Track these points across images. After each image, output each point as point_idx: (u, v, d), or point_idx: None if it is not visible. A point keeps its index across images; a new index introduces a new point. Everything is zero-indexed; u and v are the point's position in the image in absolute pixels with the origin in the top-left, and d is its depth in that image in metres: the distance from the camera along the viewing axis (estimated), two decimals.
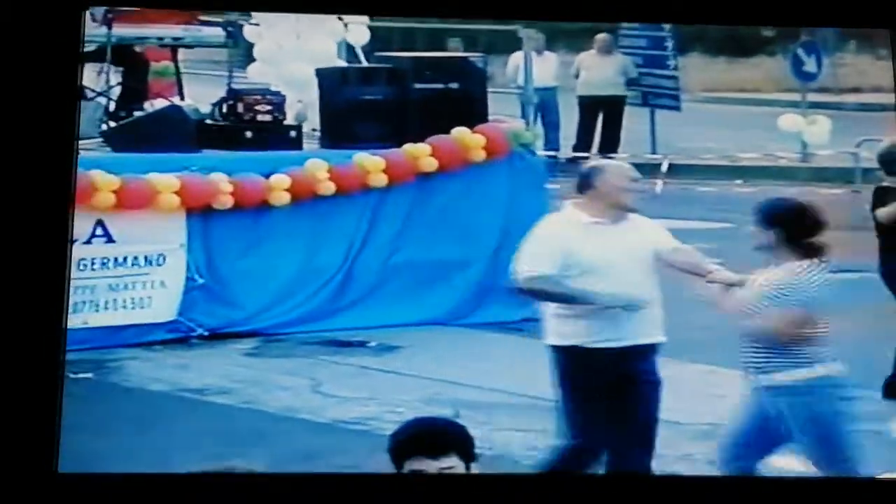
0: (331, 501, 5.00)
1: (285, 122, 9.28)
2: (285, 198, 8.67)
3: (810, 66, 13.31)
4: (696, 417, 7.29)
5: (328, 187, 8.79)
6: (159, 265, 8.37)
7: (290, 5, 7.04)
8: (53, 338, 5.16)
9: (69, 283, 5.27)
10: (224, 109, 9.25)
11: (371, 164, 8.90)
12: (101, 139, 8.84)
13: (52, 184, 5.22)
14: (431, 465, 4.36)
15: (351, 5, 7.16)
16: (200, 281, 8.48)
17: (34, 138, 5.23)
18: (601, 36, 13.32)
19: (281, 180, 8.70)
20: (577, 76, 13.57)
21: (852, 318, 8.47)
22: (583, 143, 13.50)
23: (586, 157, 13.08)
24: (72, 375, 6.06)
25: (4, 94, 5.25)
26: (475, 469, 4.42)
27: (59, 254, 5.18)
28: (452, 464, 4.36)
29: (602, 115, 13.41)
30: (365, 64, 10.05)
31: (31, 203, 5.19)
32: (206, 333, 8.37)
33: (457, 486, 4.57)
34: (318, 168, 8.80)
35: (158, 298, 8.33)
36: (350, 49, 10.21)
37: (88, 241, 8.12)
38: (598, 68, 13.41)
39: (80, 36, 5.35)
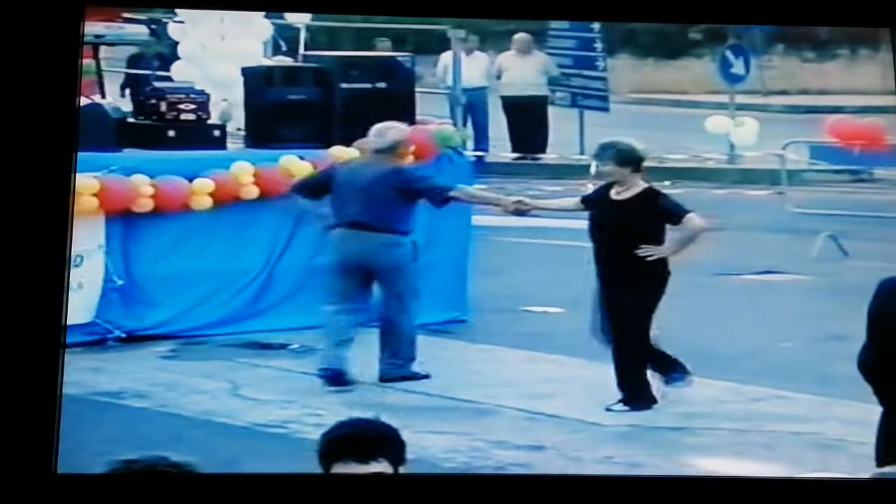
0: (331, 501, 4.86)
1: (209, 122, 9.19)
2: (208, 202, 8.59)
3: (738, 68, 13.37)
4: (615, 419, 7.32)
5: (252, 191, 8.72)
6: (77, 266, 8.24)
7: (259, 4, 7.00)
8: (52, 339, 5.09)
9: (69, 283, 5.20)
10: (146, 108, 9.13)
11: (297, 167, 8.82)
12: None
13: (50, 184, 5.16)
14: (359, 470, 4.26)
15: (284, 4, 7.11)
16: (119, 283, 8.36)
17: (34, 138, 5.17)
18: (519, 36, 13.32)
19: (204, 184, 8.61)
20: (498, 77, 13.56)
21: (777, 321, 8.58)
22: (515, 144, 13.49)
23: (524, 158, 13.14)
24: None
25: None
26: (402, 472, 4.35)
27: (58, 253, 5.11)
28: (381, 469, 4.26)
29: (527, 115, 13.41)
30: (302, 51, 10.01)
31: (29, 203, 5.13)
32: (123, 336, 8.27)
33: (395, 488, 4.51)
34: (243, 172, 8.71)
35: (75, 300, 8.19)
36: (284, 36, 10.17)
37: None
38: (518, 68, 13.40)
39: (80, 36, 5.28)
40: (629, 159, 7.62)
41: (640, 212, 7.53)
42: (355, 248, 7.92)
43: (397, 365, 7.88)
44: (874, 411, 5.99)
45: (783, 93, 14.59)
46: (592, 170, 11.37)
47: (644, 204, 7.54)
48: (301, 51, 10.38)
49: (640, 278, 7.44)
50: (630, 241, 7.45)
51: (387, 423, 4.48)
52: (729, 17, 5.97)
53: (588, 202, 7.84)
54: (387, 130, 8.19)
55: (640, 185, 7.61)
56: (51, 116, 5.20)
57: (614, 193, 7.62)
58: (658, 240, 7.51)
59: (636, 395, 7.43)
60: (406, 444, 4.38)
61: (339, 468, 4.26)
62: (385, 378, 7.85)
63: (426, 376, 7.90)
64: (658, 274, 7.48)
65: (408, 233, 8.01)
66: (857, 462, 6.43)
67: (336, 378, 7.73)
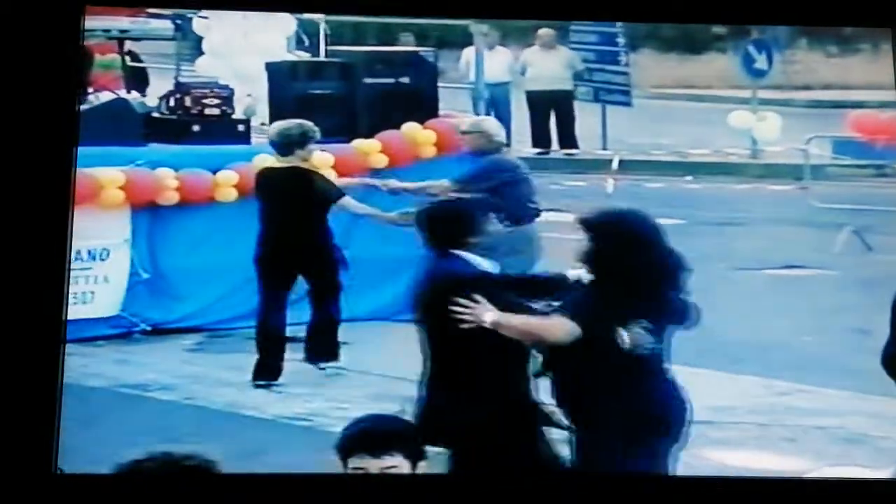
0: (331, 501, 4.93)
1: (234, 116, 9.24)
2: (233, 194, 8.64)
3: (761, 63, 13.35)
4: None
5: None
6: (103, 260, 8.31)
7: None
8: (52, 337, 5.13)
9: (68, 283, 5.24)
10: (171, 103, 9.19)
11: (319, 160, 8.86)
12: None
13: (51, 180, 5.20)
14: (373, 464, 4.34)
15: (306, 4, 7.15)
16: (145, 276, 8.43)
17: (33, 138, 5.21)
18: (543, 31, 13.31)
19: (228, 176, 8.67)
20: (523, 73, 13.57)
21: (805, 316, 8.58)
22: (539, 138, 13.48)
23: (547, 153, 13.13)
24: None
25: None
26: (423, 467, 4.40)
27: (58, 252, 5.15)
28: (395, 463, 4.34)
29: (553, 110, 13.42)
30: (323, 46, 10.06)
31: (29, 201, 5.17)
32: (148, 329, 8.32)
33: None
34: (266, 164, 8.75)
35: (101, 293, 8.27)
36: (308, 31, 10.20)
37: None
38: (543, 63, 13.40)
39: (80, 36, 5.32)
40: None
41: None
42: None
43: None
44: None
45: (806, 87, 14.55)
46: (615, 165, 11.42)
47: None
48: (322, 45, 10.42)
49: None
50: None
51: (404, 418, 4.56)
52: (729, 18, 5.98)
53: None
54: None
55: None
56: (52, 113, 5.24)
57: None
58: None
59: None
60: (423, 439, 4.42)
61: (354, 462, 4.36)
62: None
63: None
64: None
65: None
66: (880, 456, 6.43)
67: None
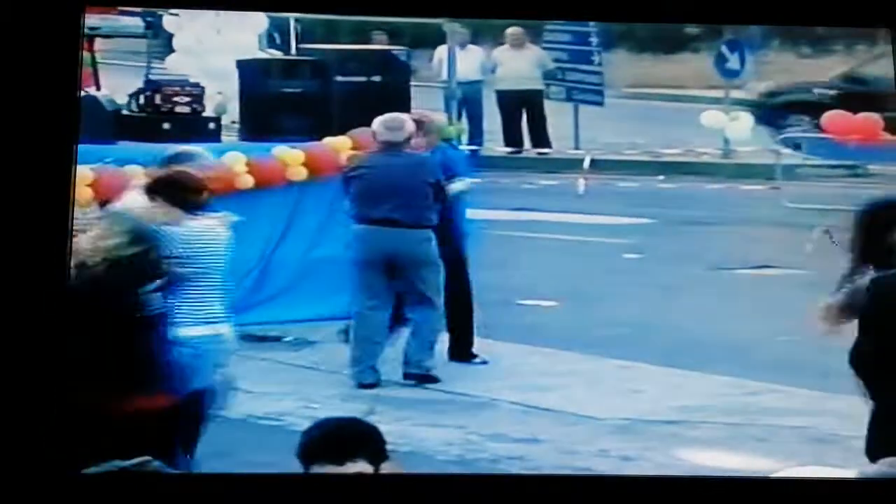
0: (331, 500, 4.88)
1: (204, 114, 9.18)
2: None
3: (734, 63, 13.38)
4: (612, 412, 7.32)
5: (246, 181, 8.69)
6: None
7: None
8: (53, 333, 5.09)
9: (70, 278, 5.20)
10: (141, 100, 9.13)
11: (291, 157, 8.82)
12: None
13: (51, 178, 5.16)
14: (337, 471, 4.28)
15: (279, 3, 7.12)
16: None
17: (32, 138, 5.18)
18: (512, 30, 13.31)
19: None
20: (493, 72, 13.56)
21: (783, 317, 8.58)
22: (510, 138, 13.47)
23: (519, 152, 13.12)
24: None
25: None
26: (387, 468, 4.35)
27: (58, 251, 5.11)
28: (359, 468, 4.28)
29: (524, 109, 13.42)
30: (295, 44, 10.02)
31: (29, 201, 5.13)
32: None
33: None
34: (236, 161, 8.70)
35: None
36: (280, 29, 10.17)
37: None
38: (513, 63, 13.40)
39: (80, 36, 5.29)
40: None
41: None
42: (386, 246, 7.85)
43: (418, 363, 7.82)
44: (869, 406, 5.99)
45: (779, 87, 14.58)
46: (586, 164, 11.41)
47: None
48: (293, 44, 10.38)
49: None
50: None
51: (364, 420, 4.51)
52: (727, 18, 5.98)
53: None
54: (400, 123, 8.09)
55: None
56: (51, 111, 5.21)
57: None
58: None
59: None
60: (385, 441, 4.38)
61: (317, 469, 4.29)
62: (408, 375, 7.81)
63: (437, 380, 7.86)
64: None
65: (434, 226, 7.96)
66: (851, 456, 6.43)
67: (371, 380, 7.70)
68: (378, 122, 8.14)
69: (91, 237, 5.81)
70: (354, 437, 4.37)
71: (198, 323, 6.17)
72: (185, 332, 6.05)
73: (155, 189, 6.49)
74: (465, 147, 10.99)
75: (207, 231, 6.43)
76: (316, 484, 4.52)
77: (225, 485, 4.80)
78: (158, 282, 5.80)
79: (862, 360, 5.84)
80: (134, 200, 6.62)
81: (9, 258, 5.06)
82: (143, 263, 5.76)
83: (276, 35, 10.36)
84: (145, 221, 6.01)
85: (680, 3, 5.55)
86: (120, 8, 9.71)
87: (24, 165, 5.13)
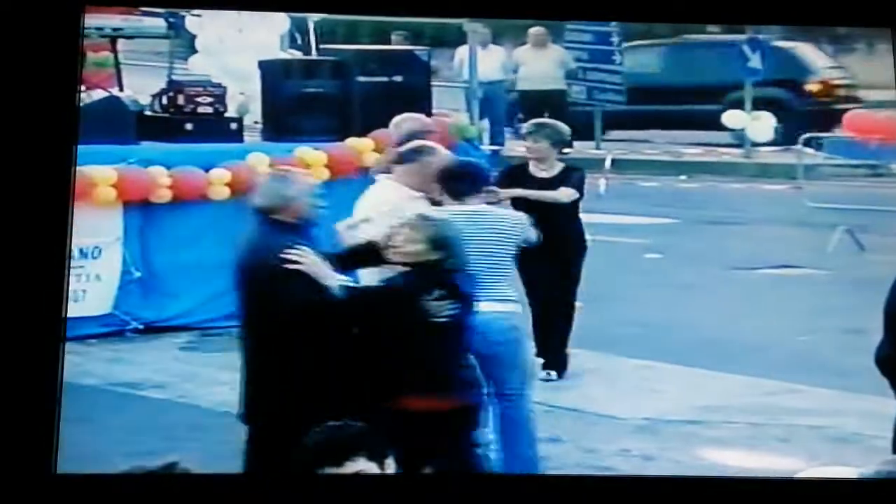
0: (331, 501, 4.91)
1: (226, 115, 9.22)
2: (225, 192, 8.62)
3: (755, 62, 13.36)
4: (632, 412, 7.32)
5: None
6: (94, 258, 8.30)
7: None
8: (51, 335, 5.12)
9: (68, 282, 5.23)
10: (164, 101, 9.18)
11: (312, 158, 8.85)
12: None
13: (51, 179, 5.19)
14: (337, 471, 4.30)
15: (301, 3, 7.15)
16: (137, 274, 8.40)
17: (33, 137, 5.21)
18: (534, 30, 13.31)
19: (221, 175, 8.65)
20: (515, 72, 13.57)
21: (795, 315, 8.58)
22: None
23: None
24: None
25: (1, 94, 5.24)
26: (391, 465, 4.36)
27: (57, 252, 5.15)
28: (361, 468, 4.30)
29: (546, 109, 13.42)
30: (315, 44, 10.04)
31: (29, 200, 5.16)
32: (141, 327, 8.31)
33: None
34: (259, 162, 8.74)
35: (93, 292, 8.25)
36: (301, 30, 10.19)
37: None
38: (535, 62, 13.41)
39: (80, 36, 5.32)
40: (562, 140, 7.98)
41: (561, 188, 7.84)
42: None
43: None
44: (891, 405, 5.99)
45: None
46: (607, 164, 11.42)
47: (564, 181, 7.84)
48: (314, 44, 10.41)
49: (563, 250, 7.67)
50: (552, 215, 7.55)
51: (353, 422, 4.52)
52: (728, 18, 5.97)
53: (506, 179, 7.93)
54: (413, 133, 7.46)
55: (559, 164, 7.93)
56: (52, 112, 5.23)
57: (537, 171, 7.87)
58: (576, 214, 7.86)
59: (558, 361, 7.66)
60: (385, 441, 4.40)
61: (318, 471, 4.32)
62: None
63: None
64: (579, 247, 7.85)
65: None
66: (872, 456, 6.43)
67: None
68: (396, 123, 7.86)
69: (401, 240, 5.89)
70: (348, 436, 4.39)
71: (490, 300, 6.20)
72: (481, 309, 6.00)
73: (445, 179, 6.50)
74: (486, 147, 11.00)
75: (487, 213, 6.51)
76: (316, 484, 4.55)
77: (225, 484, 4.82)
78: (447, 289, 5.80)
79: (888, 360, 5.83)
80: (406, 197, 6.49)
81: (9, 258, 5.08)
82: (441, 269, 5.81)
83: (298, 35, 10.39)
84: (446, 227, 5.96)
85: (688, 3, 5.57)
86: (142, 8, 9.77)
87: (23, 165, 5.16)
